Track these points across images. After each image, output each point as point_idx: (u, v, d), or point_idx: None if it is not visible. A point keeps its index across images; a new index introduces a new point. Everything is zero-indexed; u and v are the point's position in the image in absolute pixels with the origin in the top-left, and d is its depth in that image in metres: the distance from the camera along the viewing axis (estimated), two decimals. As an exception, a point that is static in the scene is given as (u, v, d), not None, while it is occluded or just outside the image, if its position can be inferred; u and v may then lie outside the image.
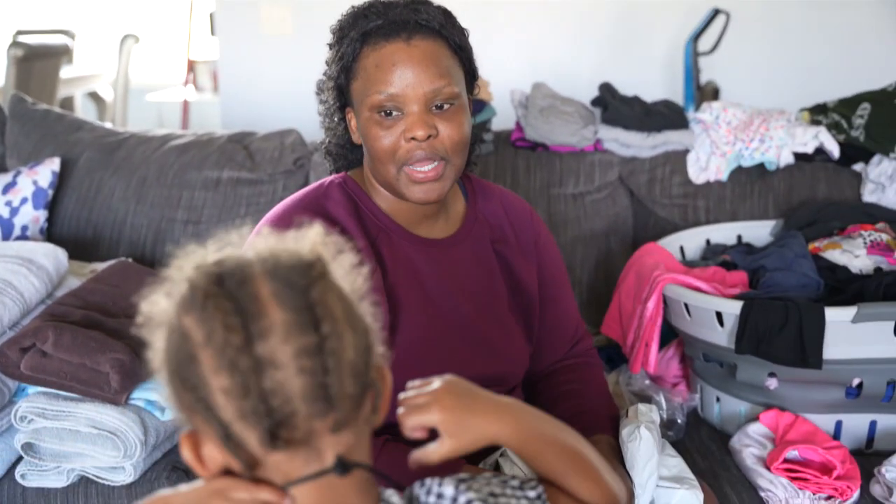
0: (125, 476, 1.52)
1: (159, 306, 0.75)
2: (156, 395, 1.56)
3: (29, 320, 1.66)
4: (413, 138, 1.26)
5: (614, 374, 1.82)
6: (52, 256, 1.77)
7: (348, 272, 0.79)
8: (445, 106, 1.28)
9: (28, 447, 1.54)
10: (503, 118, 2.40)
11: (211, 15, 4.46)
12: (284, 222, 1.33)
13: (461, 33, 1.33)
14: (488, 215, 1.47)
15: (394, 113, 1.27)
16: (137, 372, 1.54)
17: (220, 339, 0.70)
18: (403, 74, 1.25)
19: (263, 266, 0.74)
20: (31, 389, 1.58)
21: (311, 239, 0.78)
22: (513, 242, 1.47)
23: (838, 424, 1.59)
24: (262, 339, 0.70)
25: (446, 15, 1.32)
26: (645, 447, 1.32)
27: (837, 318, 1.49)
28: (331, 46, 1.35)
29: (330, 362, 0.71)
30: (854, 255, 1.74)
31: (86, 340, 1.54)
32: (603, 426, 1.42)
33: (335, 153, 1.45)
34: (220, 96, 3.71)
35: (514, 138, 2.29)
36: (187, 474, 1.56)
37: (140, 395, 1.57)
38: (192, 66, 5.02)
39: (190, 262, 0.75)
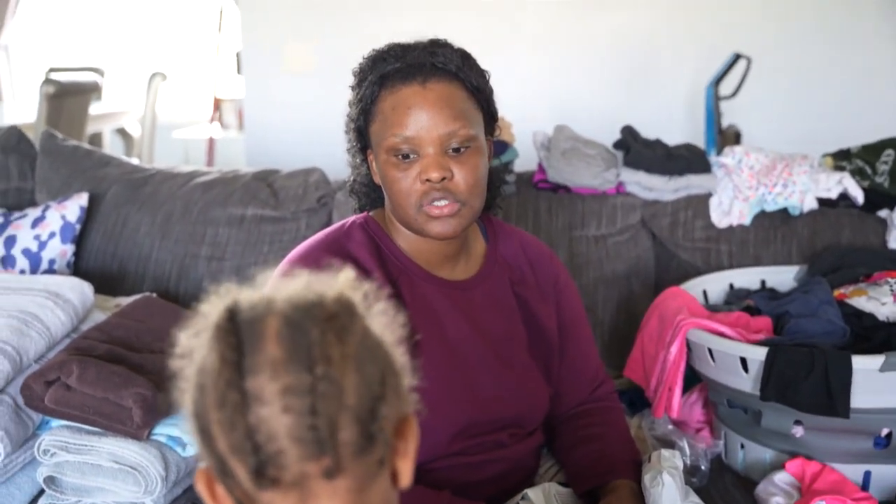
0: (145, 512, 1.51)
1: (189, 340, 0.75)
2: (177, 430, 1.55)
3: (54, 354, 1.66)
4: (428, 180, 1.27)
5: (637, 418, 1.80)
6: (78, 290, 1.78)
7: (377, 318, 0.78)
8: (461, 149, 1.28)
9: (50, 480, 1.53)
10: (525, 160, 2.40)
11: (237, 54, 4.52)
12: (307, 262, 1.33)
13: (480, 75, 1.34)
14: (508, 257, 1.47)
15: (410, 156, 1.28)
16: (160, 407, 1.53)
17: (217, 371, 0.70)
18: (419, 117, 1.26)
19: (283, 305, 0.73)
20: (55, 423, 1.58)
21: (340, 282, 0.78)
22: (532, 285, 1.47)
23: (867, 475, 1.56)
24: (252, 375, 0.70)
25: (464, 57, 1.32)
26: (668, 493, 1.30)
27: (865, 366, 1.47)
28: (352, 89, 1.36)
29: (320, 404, 0.70)
30: (881, 302, 1.72)
31: (109, 375, 1.53)
32: (624, 471, 1.40)
33: (360, 192, 1.45)
34: (244, 134, 3.75)
35: (536, 180, 2.29)
36: (206, 512, 1.55)
37: (162, 431, 1.56)
38: (217, 104, 5.08)
39: (223, 299, 0.75)
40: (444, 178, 1.27)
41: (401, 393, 0.77)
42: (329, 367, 0.70)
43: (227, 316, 0.73)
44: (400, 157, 1.28)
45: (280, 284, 0.78)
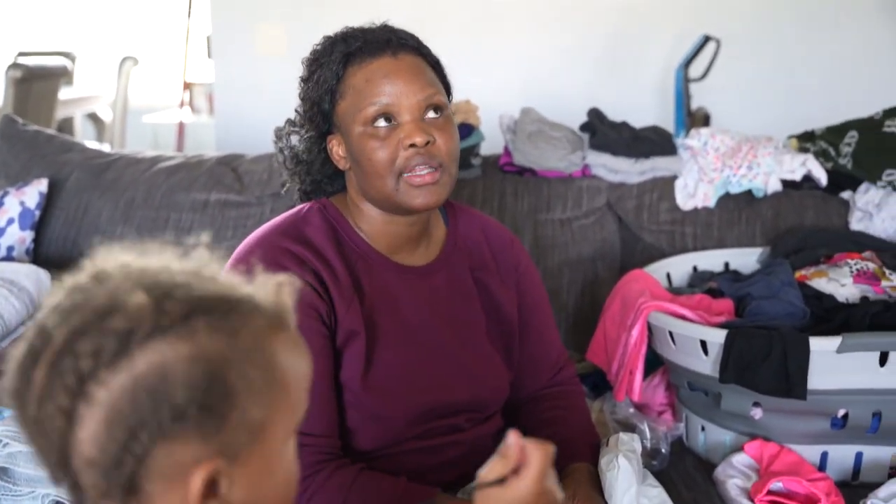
0: (100, 502, 1.49)
1: None
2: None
3: (8, 343, 1.63)
4: (412, 145, 1.25)
5: (599, 401, 1.79)
6: (34, 278, 1.75)
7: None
8: (438, 113, 1.29)
9: (2, 472, 1.50)
10: (491, 143, 2.38)
11: (208, 38, 4.46)
12: (263, 247, 1.31)
13: (433, 54, 1.35)
14: (468, 241, 1.46)
15: (389, 122, 1.27)
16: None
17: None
18: (395, 85, 1.26)
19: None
20: (7, 412, 1.55)
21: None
22: (493, 269, 1.46)
23: (824, 455, 1.55)
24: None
25: (418, 38, 1.34)
26: (623, 477, 1.29)
27: (822, 347, 1.46)
28: (305, 79, 1.34)
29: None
30: (840, 283, 1.71)
31: (63, 364, 1.51)
32: (583, 454, 1.39)
33: (312, 190, 1.42)
34: (215, 118, 3.70)
35: (502, 163, 2.27)
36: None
37: (117, 420, 1.53)
38: (188, 88, 5.02)
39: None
40: (427, 143, 1.26)
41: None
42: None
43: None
44: (378, 125, 1.26)
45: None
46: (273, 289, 0.72)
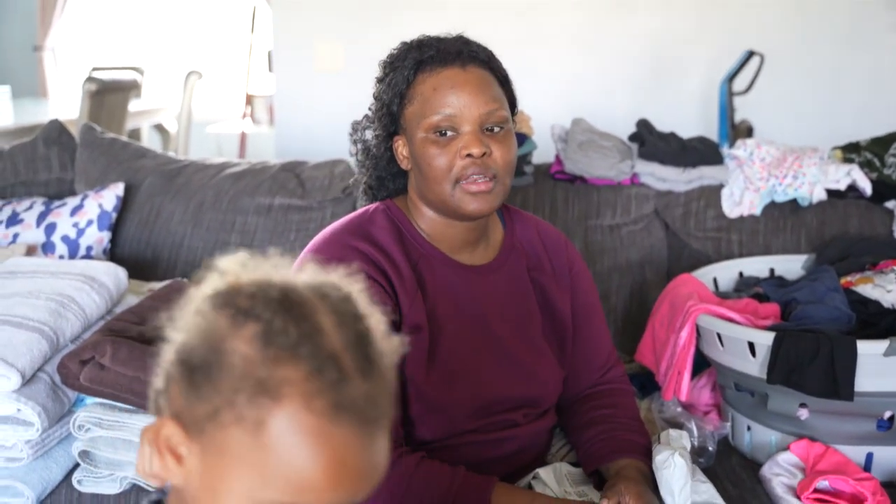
0: (174, 485, 1.52)
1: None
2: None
3: (89, 334, 1.68)
4: (469, 155, 1.27)
5: (647, 401, 1.78)
6: (112, 275, 1.79)
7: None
8: (497, 129, 1.30)
9: (84, 455, 1.55)
10: (543, 152, 2.39)
11: (269, 52, 4.54)
12: (332, 245, 1.33)
13: (503, 68, 1.36)
14: (525, 243, 1.46)
15: (448, 133, 1.28)
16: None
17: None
18: (460, 97, 1.28)
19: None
20: (89, 400, 1.59)
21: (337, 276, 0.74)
22: (548, 270, 1.46)
23: (869, 456, 1.53)
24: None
25: (490, 52, 1.35)
26: (679, 474, 1.28)
27: (869, 350, 1.44)
28: (380, 79, 1.36)
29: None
30: (886, 289, 1.69)
31: (141, 355, 1.55)
32: (632, 451, 1.39)
33: (375, 186, 1.44)
34: (275, 129, 3.76)
35: (553, 171, 2.28)
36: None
37: (190, 409, 1.57)
38: (250, 101, 5.10)
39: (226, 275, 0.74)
40: (484, 154, 1.28)
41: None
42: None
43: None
44: (439, 134, 1.29)
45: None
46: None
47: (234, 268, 0.72)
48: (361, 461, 0.67)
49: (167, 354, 0.71)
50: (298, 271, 0.74)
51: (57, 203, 2.19)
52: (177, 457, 0.69)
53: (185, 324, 0.70)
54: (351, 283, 0.73)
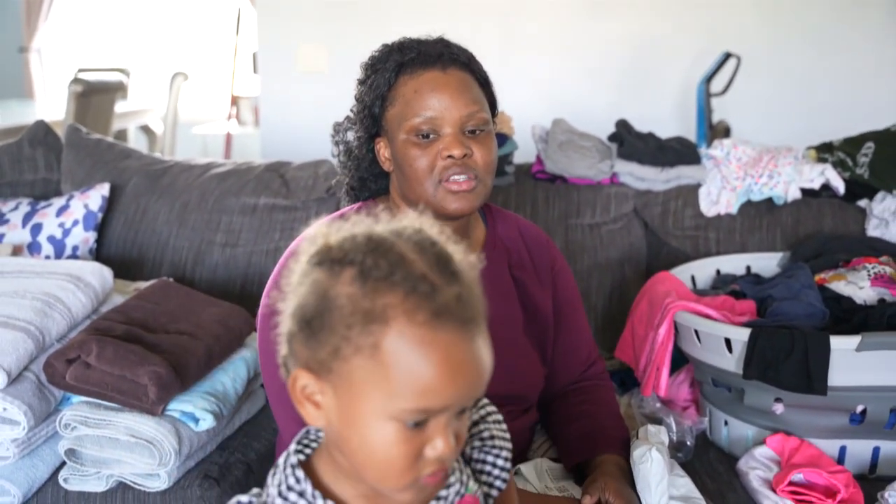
0: (160, 483, 1.51)
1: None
2: (191, 406, 1.56)
3: (75, 333, 1.67)
4: (450, 156, 1.28)
5: (626, 396, 1.79)
6: (98, 275, 1.78)
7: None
8: (477, 131, 1.31)
9: (71, 453, 1.54)
10: (524, 152, 2.40)
11: (254, 54, 4.53)
12: None
13: (483, 70, 1.36)
14: (507, 241, 1.47)
15: (430, 135, 1.29)
16: (174, 384, 1.53)
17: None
18: (441, 99, 1.28)
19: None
20: (75, 398, 1.58)
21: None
22: (530, 268, 1.46)
23: (842, 449, 1.55)
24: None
25: (470, 54, 1.35)
26: (656, 468, 1.29)
27: (842, 346, 1.46)
28: (361, 81, 1.36)
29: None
30: (858, 286, 1.71)
31: (126, 354, 1.54)
32: (612, 446, 1.40)
33: (358, 187, 1.44)
34: (260, 130, 3.75)
35: (534, 171, 2.28)
36: (218, 483, 1.55)
37: (176, 407, 1.56)
38: (235, 102, 5.08)
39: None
40: (465, 155, 1.28)
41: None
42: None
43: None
44: (420, 136, 1.29)
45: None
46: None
47: (320, 231, 0.81)
48: (468, 357, 0.76)
49: (284, 323, 0.80)
50: (372, 222, 0.81)
51: (43, 203, 2.17)
52: (314, 403, 0.79)
53: (292, 291, 0.79)
54: (421, 221, 0.82)
